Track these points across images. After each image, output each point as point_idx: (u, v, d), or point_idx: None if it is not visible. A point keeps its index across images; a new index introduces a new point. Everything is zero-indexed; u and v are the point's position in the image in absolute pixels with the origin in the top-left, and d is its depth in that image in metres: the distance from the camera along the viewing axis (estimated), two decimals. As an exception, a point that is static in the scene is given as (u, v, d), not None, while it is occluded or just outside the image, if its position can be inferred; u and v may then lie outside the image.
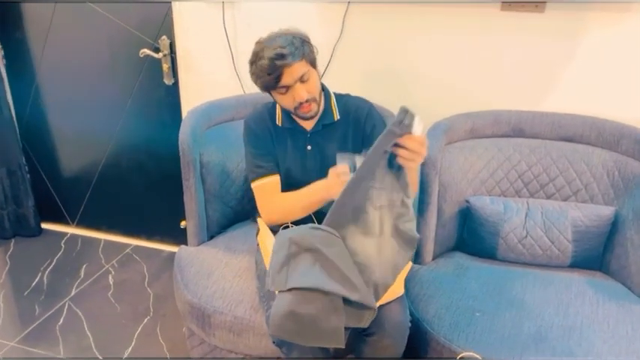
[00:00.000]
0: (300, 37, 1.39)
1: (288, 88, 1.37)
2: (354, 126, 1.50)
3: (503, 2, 1.66)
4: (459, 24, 1.73)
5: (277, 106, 1.52)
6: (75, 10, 2.17)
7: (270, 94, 1.44)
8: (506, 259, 1.63)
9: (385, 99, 1.74)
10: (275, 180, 1.50)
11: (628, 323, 1.38)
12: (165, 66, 2.13)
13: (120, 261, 2.42)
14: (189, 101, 2.15)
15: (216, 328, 1.48)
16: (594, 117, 1.65)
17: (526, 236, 1.59)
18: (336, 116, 1.50)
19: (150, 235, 2.54)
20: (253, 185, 1.51)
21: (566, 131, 1.66)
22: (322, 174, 1.39)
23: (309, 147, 1.51)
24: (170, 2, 2.02)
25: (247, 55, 1.96)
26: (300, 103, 1.39)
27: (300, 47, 1.36)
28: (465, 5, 1.70)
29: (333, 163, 1.43)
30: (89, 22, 2.17)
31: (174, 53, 2.12)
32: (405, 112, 1.14)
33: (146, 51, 2.10)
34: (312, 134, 1.50)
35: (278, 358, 1.50)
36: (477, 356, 1.30)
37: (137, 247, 2.53)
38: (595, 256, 1.59)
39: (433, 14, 1.75)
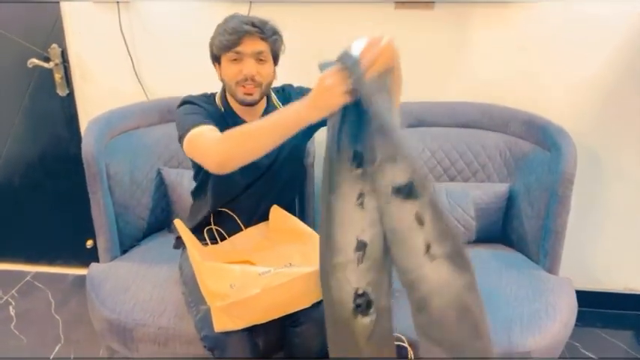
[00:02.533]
0: (276, 28, 1.36)
1: (241, 57, 1.31)
2: None
3: (396, 2, 1.77)
4: (355, 22, 1.81)
5: (218, 101, 1.43)
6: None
7: (219, 62, 1.35)
8: (418, 242, 1.73)
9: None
10: (216, 129, 1.28)
11: (528, 287, 1.52)
12: (58, 76, 2.01)
13: (20, 290, 2.22)
14: (88, 112, 2.05)
15: (139, 341, 1.42)
16: (485, 103, 1.80)
17: (435, 218, 1.70)
18: (279, 107, 1.45)
19: (52, 260, 2.37)
20: (189, 134, 1.27)
21: (462, 118, 1.80)
22: (262, 164, 1.37)
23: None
24: (58, 2, 1.90)
25: (148, 60, 1.95)
26: (245, 78, 1.31)
27: (272, 33, 1.33)
28: (361, 4, 1.78)
29: (274, 156, 1.42)
30: (-35, 32, 1.99)
31: (67, 62, 2.00)
32: (342, 55, 1.01)
33: (35, 61, 1.97)
34: None
35: (207, 362, 1.47)
36: (399, 335, 1.36)
37: (38, 273, 2.34)
38: (496, 229, 1.74)
39: (331, 13, 1.81)
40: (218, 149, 1.19)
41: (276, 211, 1.47)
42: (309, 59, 1.85)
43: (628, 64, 1.76)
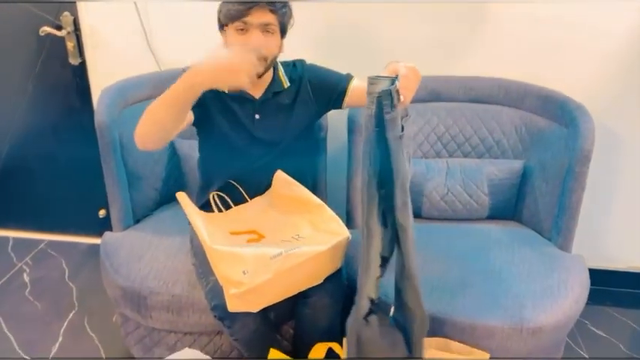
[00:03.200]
0: (287, 1, 1.33)
1: (247, 27, 1.28)
2: (307, 88, 1.47)
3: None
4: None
5: None
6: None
7: (224, 30, 1.33)
8: (430, 216, 1.73)
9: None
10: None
11: (540, 263, 1.52)
12: (70, 44, 1.99)
13: (34, 258, 2.26)
14: (99, 82, 2.03)
15: (152, 309, 1.44)
16: (501, 78, 1.77)
17: (447, 193, 1.69)
18: (286, 84, 1.45)
19: (64, 229, 2.39)
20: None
21: (477, 93, 1.77)
22: (271, 143, 1.38)
23: (257, 116, 1.43)
24: (70, -25, 1.88)
25: (161, 30, 1.93)
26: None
27: (282, 5, 1.31)
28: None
29: (282, 132, 1.43)
30: (-23, -1, 1.98)
31: (79, 30, 1.99)
32: (383, 93, 1.04)
33: (47, 29, 1.95)
34: (262, 102, 1.43)
35: (219, 332, 1.50)
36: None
37: (52, 242, 2.37)
38: (509, 206, 1.73)
39: None
40: (136, 131, 1.23)
41: (280, 176, 1.43)
42: (323, 37, 1.85)
43: (650, 39, 1.72)
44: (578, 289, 1.45)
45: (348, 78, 1.48)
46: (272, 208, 1.45)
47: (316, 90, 1.48)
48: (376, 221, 1.14)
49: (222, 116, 1.42)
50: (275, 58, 1.39)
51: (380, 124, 1.06)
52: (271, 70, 1.42)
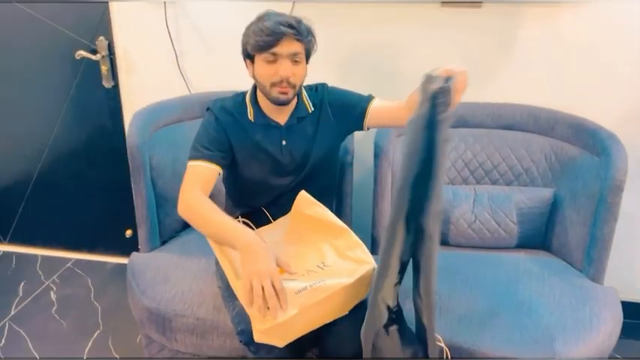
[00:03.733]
0: (310, 26, 1.36)
1: (277, 58, 1.31)
2: (328, 111, 1.48)
3: (443, 1, 1.74)
4: (402, 20, 1.80)
5: (247, 101, 1.46)
6: (4, 10, 2.05)
7: (253, 61, 1.36)
8: (457, 244, 1.71)
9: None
10: (213, 171, 1.38)
11: (571, 295, 1.48)
12: (104, 68, 2.06)
13: (61, 276, 2.29)
14: (132, 104, 2.09)
15: (177, 331, 1.44)
16: (530, 105, 1.76)
17: (475, 221, 1.67)
18: (310, 108, 1.47)
19: (92, 248, 2.43)
20: (189, 164, 1.38)
21: (506, 120, 1.76)
22: (297, 168, 1.40)
23: (284, 142, 1.44)
24: (107, 1, 1.95)
25: (191, 55, 1.98)
26: (280, 80, 1.33)
27: (307, 32, 1.34)
28: (407, 3, 1.76)
29: (308, 156, 1.44)
30: (17, 24, 2.05)
31: (113, 54, 2.05)
32: (441, 90, 1.02)
33: (82, 53, 2.02)
34: (287, 128, 1.44)
35: (243, 357, 1.48)
36: (437, 335, 1.35)
37: (79, 260, 2.40)
38: (538, 235, 1.70)
39: (378, 11, 1.80)
40: (180, 205, 1.36)
41: (303, 196, 1.41)
42: (352, 59, 1.87)
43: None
44: (611, 322, 1.41)
45: (368, 99, 1.48)
46: (294, 231, 1.42)
47: (336, 111, 1.48)
48: (402, 224, 1.10)
49: (246, 152, 1.44)
50: (302, 84, 1.42)
51: (430, 125, 1.01)
52: (297, 98, 1.45)
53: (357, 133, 1.69)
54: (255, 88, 1.45)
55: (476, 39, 1.78)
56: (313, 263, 1.32)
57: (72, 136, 2.22)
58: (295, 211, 1.43)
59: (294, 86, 1.36)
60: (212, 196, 1.48)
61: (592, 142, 1.60)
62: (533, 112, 1.74)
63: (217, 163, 1.39)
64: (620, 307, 1.47)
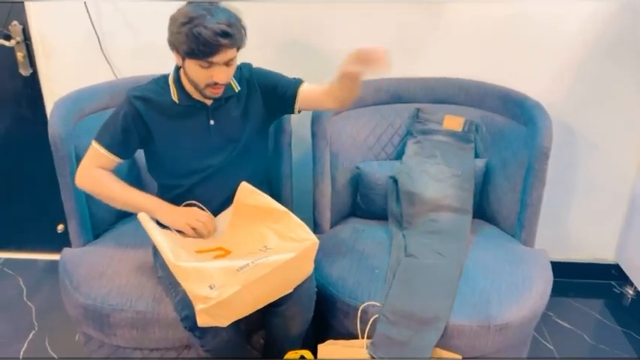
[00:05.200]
0: (240, 20, 1.31)
1: (211, 65, 1.29)
2: (257, 92, 1.47)
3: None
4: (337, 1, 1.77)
5: (170, 82, 1.42)
6: None
7: (184, 60, 1.32)
8: (396, 216, 1.74)
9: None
10: (112, 161, 1.43)
11: (504, 259, 1.54)
12: (20, 54, 1.92)
13: (-10, 277, 2.16)
14: (53, 92, 1.96)
15: (116, 327, 1.39)
16: (461, 79, 1.79)
17: (412, 194, 1.70)
18: (236, 88, 1.45)
19: (21, 245, 2.30)
20: (93, 143, 1.42)
21: (438, 93, 1.79)
22: (226, 147, 1.38)
23: (212, 122, 1.42)
24: (18, -16, 1.81)
25: (116, 37, 1.87)
26: (215, 83, 1.32)
27: (239, 32, 1.30)
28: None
29: (237, 134, 1.43)
30: None
31: (29, 40, 1.91)
32: None
33: (-6, 39, 1.87)
34: (215, 109, 1.42)
35: (187, 345, 1.46)
36: (376, 303, 1.38)
37: (8, 259, 2.27)
38: (473, 205, 1.75)
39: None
40: (79, 179, 1.44)
41: (244, 187, 1.41)
42: (283, 39, 1.83)
43: (600, 38, 1.78)
44: (543, 283, 1.48)
45: (298, 82, 1.47)
46: (237, 221, 1.42)
47: (266, 93, 1.47)
48: None
49: (171, 134, 1.41)
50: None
51: None
52: None
53: (293, 116, 1.68)
54: (178, 69, 1.41)
55: (407, 15, 1.79)
56: (255, 247, 1.32)
57: (-10, 129, 2.07)
58: (237, 203, 1.43)
59: (226, 84, 1.37)
60: (148, 192, 1.47)
61: (519, 111, 1.66)
62: (463, 84, 1.78)
63: (117, 154, 1.42)
64: (550, 268, 1.55)
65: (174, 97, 1.41)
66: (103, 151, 1.41)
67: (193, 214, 1.40)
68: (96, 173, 1.42)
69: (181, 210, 1.42)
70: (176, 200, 1.44)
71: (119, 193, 1.42)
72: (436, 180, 1.68)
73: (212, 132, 1.42)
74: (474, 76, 1.80)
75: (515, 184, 1.63)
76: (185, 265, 1.19)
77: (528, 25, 1.78)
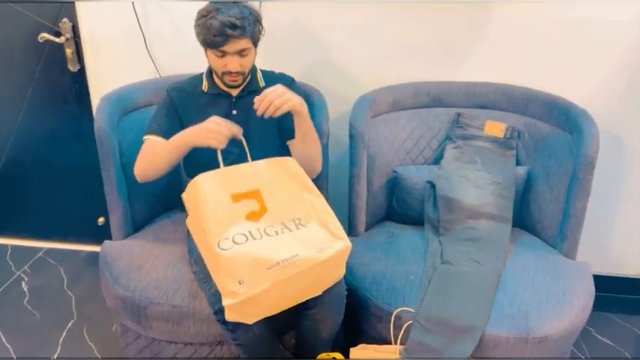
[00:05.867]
0: (255, 14, 1.43)
1: (225, 54, 1.41)
2: None
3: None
4: (376, 1, 1.77)
5: (204, 76, 1.56)
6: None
7: (205, 51, 1.46)
8: (433, 223, 1.71)
9: (309, 76, 1.75)
10: (161, 142, 1.48)
11: (545, 271, 1.50)
12: (69, 51, 1.98)
13: (33, 266, 2.23)
14: (99, 88, 2.02)
15: (153, 319, 1.42)
16: (504, 84, 1.76)
17: (450, 200, 1.67)
18: (261, 83, 1.54)
19: (64, 236, 2.37)
20: (144, 138, 1.50)
21: (480, 98, 1.76)
22: (247, 139, 1.38)
23: (234, 111, 1.52)
24: (70, -18, 1.87)
25: (161, 37, 1.93)
26: (230, 72, 1.43)
27: (252, 25, 1.40)
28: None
29: (258, 129, 1.46)
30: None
31: (78, 37, 1.97)
32: None
33: (45, 35, 1.94)
34: (238, 99, 1.52)
35: (220, 342, 1.48)
36: (410, 309, 1.36)
37: (50, 249, 2.35)
38: (513, 213, 1.71)
39: (345, 9, 1.78)
40: (137, 165, 1.49)
41: (292, 161, 1.40)
42: (334, 36, 1.84)
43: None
44: (584, 297, 1.44)
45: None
46: (279, 177, 1.36)
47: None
48: None
49: (197, 122, 1.41)
50: (251, 68, 1.51)
51: None
52: (249, 77, 1.54)
53: (331, 114, 1.68)
54: (210, 68, 1.54)
55: (448, 16, 1.77)
56: (290, 214, 1.30)
57: (38, 123, 2.14)
58: (282, 164, 1.39)
59: (243, 73, 1.46)
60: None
61: (564, 119, 1.61)
62: (507, 90, 1.74)
63: (164, 136, 1.47)
64: (592, 282, 1.50)
65: (204, 87, 1.54)
66: (152, 137, 1.49)
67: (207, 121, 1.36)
68: (142, 154, 1.48)
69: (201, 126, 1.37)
70: None
71: (161, 150, 1.45)
72: (475, 186, 1.65)
73: (233, 121, 1.41)
74: (517, 81, 1.76)
75: (559, 193, 1.59)
76: (219, 252, 1.19)
77: (576, 30, 1.73)
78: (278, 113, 1.31)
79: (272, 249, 1.22)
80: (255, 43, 1.46)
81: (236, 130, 1.36)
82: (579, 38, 1.74)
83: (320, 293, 1.30)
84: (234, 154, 1.45)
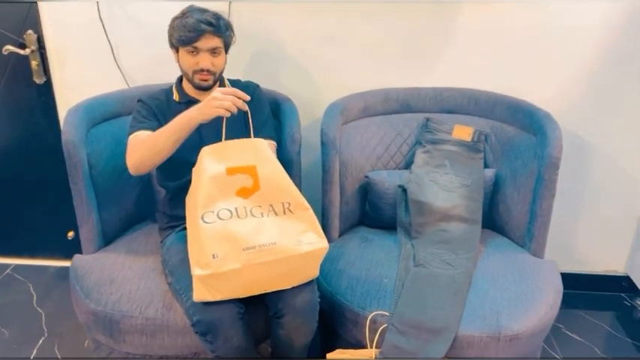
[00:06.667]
0: (228, 21, 1.52)
1: (197, 52, 1.46)
2: (251, 109, 1.46)
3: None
4: (345, 9, 1.79)
5: (173, 87, 1.59)
6: None
7: (177, 51, 1.50)
8: (404, 225, 1.74)
9: (280, 84, 1.76)
10: (148, 133, 1.47)
11: (515, 271, 1.53)
12: (34, 63, 1.95)
13: (0, 283, 2.17)
14: (66, 100, 1.99)
15: (126, 333, 1.40)
16: (471, 89, 1.80)
17: (421, 203, 1.70)
18: (228, 87, 1.52)
19: (32, 252, 2.32)
20: (128, 138, 1.48)
21: (448, 103, 1.80)
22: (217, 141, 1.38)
23: None
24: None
25: (129, 47, 1.91)
26: (201, 70, 1.47)
27: (225, 27, 1.49)
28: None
29: (228, 133, 1.42)
30: None
31: (44, 48, 1.94)
32: None
33: (10, 48, 1.90)
34: None
35: (195, 353, 1.46)
36: (385, 313, 1.38)
37: (19, 265, 2.29)
38: (482, 215, 1.74)
39: (320, 10, 1.80)
40: (131, 155, 1.44)
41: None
42: (303, 44, 1.86)
43: (610, 49, 1.78)
44: (553, 294, 1.47)
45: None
46: (273, 165, 1.37)
47: (254, 112, 1.45)
48: None
49: None
50: (222, 72, 1.55)
51: None
52: (218, 83, 1.57)
53: (303, 121, 1.70)
54: (180, 77, 1.59)
55: (417, 25, 1.81)
56: (280, 197, 1.33)
57: (4, 136, 2.10)
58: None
59: (214, 74, 1.50)
60: (159, 199, 1.45)
61: (529, 122, 1.66)
62: (473, 95, 1.79)
63: (152, 130, 1.46)
64: (560, 279, 1.54)
65: (175, 97, 1.57)
66: (136, 133, 1.47)
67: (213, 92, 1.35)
68: (134, 146, 1.44)
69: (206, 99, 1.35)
70: (179, 194, 1.48)
71: (159, 134, 1.40)
72: (445, 190, 1.68)
73: (203, 126, 1.40)
74: (483, 86, 1.81)
75: (525, 194, 1.63)
76: (201, 224, 1.24)
77: (538, 35, 1.79)
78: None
79: (252, 232, 1.27)
80: (227, 48, 1.52)
81: (241, 95, 1.33)
82: (541, 44, 1.80)
83: (288, 287, 1.32)
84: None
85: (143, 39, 1.89)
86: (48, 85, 2.00)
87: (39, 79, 1.98)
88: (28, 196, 2.20)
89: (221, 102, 1.29)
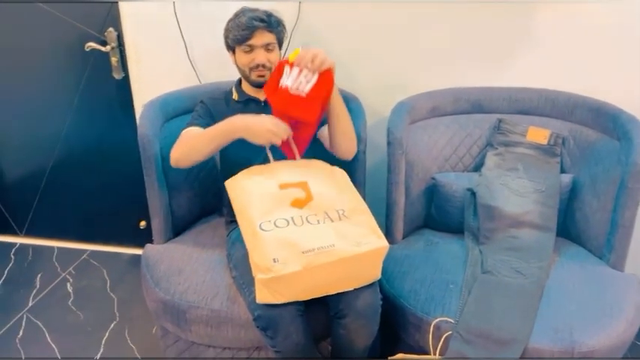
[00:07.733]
0: (280, 18, 1.57)
1: (252, 49, 1.51)
2: None
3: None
4: (416, 8, 1.76)
5: (233, 88, 1.64)
6: (13, 6, 2.04)
7: (234, 52, 1.56)
8: (473, 231, 1.68)
9: (347, 82, 1.75)
10: (198, 129, 1.54)
11: (591, 283, 1.45)
12: (114, 59, 2.04)
13: (77, 268, 2.31)
14: (142, 95, 2.08)
15: (192, 323, 1.44)
16: (548, 89, 1.71)
17: (491, 208, 1.63)
18: None
19: (107, 239, 2.44)
20: (182, 132, 1.55)
21: (522, 104, 1.72)
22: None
23: (263, 115, 1.49)
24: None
25: (202, 44, 1.97)
26: (257, 65, 1.52)
27: (277, 23, 1.54)
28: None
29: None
30: (29, 18, 2.05)
31: (123, 45, 2.03)
32: None
33: (92, 44, 2.01)
34: (266, 103, 1.54)
35: (257, 347, 1.48)
36: (450, 320, 1.34)
37: (94, 252, 2.42)
38: (557, 223, 1.66)
39: (385, 12, 1.78)
40: (176, 149, 1.51)
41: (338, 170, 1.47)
42: (372, 41, 1.84)
43: None
44: (633, 310, 1.38)
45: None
46: (325, 175, 1.44)
47: None
48: None
49: None
50: None
51: None
52: None
53: (369, 120, 1.68)
54: (239, 80, 1.65)
55: (491, 22, 1.74)
56: (334, 205, 1.35)
57: (84, 129, 2.22)
58: (325, 167, 1.47)
59: (269, 69, 1.53)
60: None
61: (612, 126, 1.56)
62: (550, 95, 1.70)
63: (203, 127, 1.52)
64: (641, 295, 1.43)
65: (235, 97, 1.62)
66: (189, 128, 1.54)
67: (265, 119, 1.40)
68: (181, 140, 1.52)
69: (259, 116, 1.40)
70: None
71: (204, 135, 1.47)
72: (517, 194, 1.61)
73: None
74: (561, 86, 1.71)
75: (606, 202, 1.53)
76: (260, 232, 1.26)
77: (623, 34, 1.67)
78: (323, 67, 1.36)
79: (310, 236, 1.28)
80: (280, 43, 1.57)
81: (289, 133, 1.40)
82: (627, 42, 1.67)
83: (350, 289, 1.32)
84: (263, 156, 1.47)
85: (216, 37, 1.92)
86: (126, 81, 2.09)
87: (118, 75, 2.08)
88: (104, 187, 2.32)
89: (272, 138, 1.36)
